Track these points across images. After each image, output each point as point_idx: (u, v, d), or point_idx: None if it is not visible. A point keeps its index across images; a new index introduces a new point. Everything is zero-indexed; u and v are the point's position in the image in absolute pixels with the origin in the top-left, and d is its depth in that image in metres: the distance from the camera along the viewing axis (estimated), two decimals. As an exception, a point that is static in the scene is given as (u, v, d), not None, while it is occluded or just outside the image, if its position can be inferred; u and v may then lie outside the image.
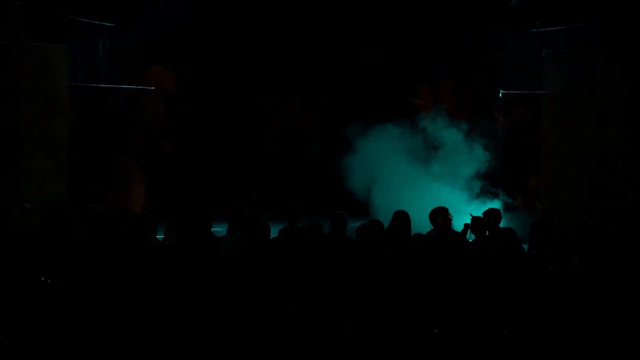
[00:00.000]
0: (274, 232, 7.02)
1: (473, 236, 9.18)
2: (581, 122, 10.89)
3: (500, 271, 6.45)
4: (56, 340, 5.90)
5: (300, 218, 8.36)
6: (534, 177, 11.63)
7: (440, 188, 11.94)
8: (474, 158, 11.55)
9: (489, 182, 11.73)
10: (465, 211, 11.64)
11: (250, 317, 6.01)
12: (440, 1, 13.51)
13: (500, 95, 11.70)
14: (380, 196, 12.98)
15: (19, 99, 10.91)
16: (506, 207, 11.44)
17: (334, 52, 13.63)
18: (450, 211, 11.83)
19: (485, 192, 11.67)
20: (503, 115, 11.65)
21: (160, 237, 9.91)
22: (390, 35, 13.51)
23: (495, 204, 11.51)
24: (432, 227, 11.31)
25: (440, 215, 11.79)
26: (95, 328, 5.99)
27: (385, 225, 8.16)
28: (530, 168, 11.71)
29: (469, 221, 9.34)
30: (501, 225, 10.48)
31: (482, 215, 9.85)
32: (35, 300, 6.03)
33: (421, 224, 10.25)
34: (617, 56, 10.89)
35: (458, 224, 10.13)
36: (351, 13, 13.45)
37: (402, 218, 7.46)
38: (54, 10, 12.62)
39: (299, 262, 6.50)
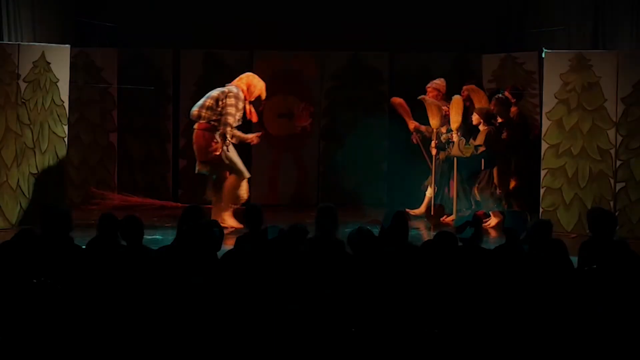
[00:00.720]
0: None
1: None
2: (581, 122, 10.87)
3: (500, 271, 6.45)
4: (56, 340, 5.91)
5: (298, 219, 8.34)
6: (515, 179, 11.63)
7: (437, 187, 11.93)
8: (471, 158, 11.53)
9: (486, 182, 11.70)
10: (461, 211, 11.64)
11: (250, 317, 6.01)
12: (438, 2, 13.50)
13: (501, 94, 11.67)
14: (377, 195, 12.98)
15: (18, 99, 10.92)
16: (504, 207, 11.44)
17: (332, 51, 13.61)
18: (447, 210, 11.87)
19: (483, 192, 11.66)
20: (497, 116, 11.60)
21: (159, 237, 9.95)
22: (389, 35, 13.50)
23: (492, 203, 11.51)
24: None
25: (439, 214, 11.85)
26: (94, 327, 5.99)
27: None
28: (524, 168, 11.70)
29: (470, 219, 9.33)
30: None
31: (484, 216, 9.86)
32: (35, 300, 6.03)
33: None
34: (616, 55, 10.89)
35: (456, 224, 10.13)
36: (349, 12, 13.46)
37: (401, 218, 7.44)
38: (54, 10, 12.60)
39: (299, 262, 6.49)
